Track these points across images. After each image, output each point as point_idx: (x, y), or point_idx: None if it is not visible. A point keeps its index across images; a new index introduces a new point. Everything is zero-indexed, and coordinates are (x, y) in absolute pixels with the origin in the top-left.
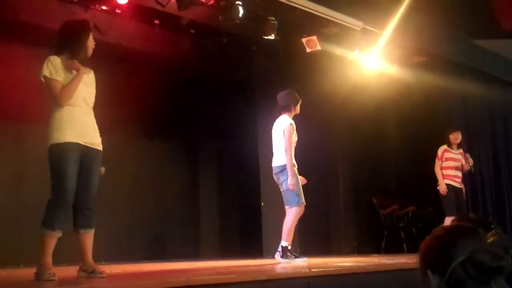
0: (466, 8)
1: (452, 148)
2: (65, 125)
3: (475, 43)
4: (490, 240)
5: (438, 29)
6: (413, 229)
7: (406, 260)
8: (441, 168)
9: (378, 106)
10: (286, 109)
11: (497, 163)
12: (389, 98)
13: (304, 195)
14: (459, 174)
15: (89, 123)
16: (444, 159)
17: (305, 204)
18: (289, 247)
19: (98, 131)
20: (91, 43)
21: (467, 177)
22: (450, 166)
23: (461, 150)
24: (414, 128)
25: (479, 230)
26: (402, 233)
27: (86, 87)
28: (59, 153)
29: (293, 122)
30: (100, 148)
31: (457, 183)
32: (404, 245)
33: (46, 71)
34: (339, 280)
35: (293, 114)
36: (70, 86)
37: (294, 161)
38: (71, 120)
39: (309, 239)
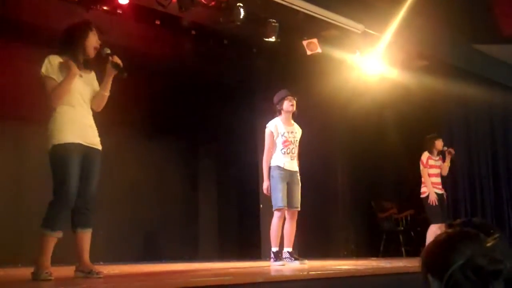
0: (467, 12)
1: (433, 155)
2: (66, 126)
3: (475, 47)
4: (489, 244)
5: (439, 33)
6: (412, 233)
7: (405, 264)
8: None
9: (379, 109)
10: (276, 111)
11: (496, 167)
12: (389, 101)
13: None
14: (440, 180)
15: (88, 123)
16: (428, 167)
17: (283, 207)
18: (288, 250)
19: (96, 130)
20: (90, 43)
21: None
22: (434, 173)
23: (440, 156)
24: (414, 132)
25: (481, 235)
26: (400, 237)
27: (87, 86)
28: (62, 154)
29: (272, 124)
30: (100, 147)
31: (440, 189)
32: (403, 248)
33: (43, 69)
34: (337, 283)
35: (283, 113)
36: (60, 86)
37: (277, 164)
38: (72, 120)
39: (307, 242)
